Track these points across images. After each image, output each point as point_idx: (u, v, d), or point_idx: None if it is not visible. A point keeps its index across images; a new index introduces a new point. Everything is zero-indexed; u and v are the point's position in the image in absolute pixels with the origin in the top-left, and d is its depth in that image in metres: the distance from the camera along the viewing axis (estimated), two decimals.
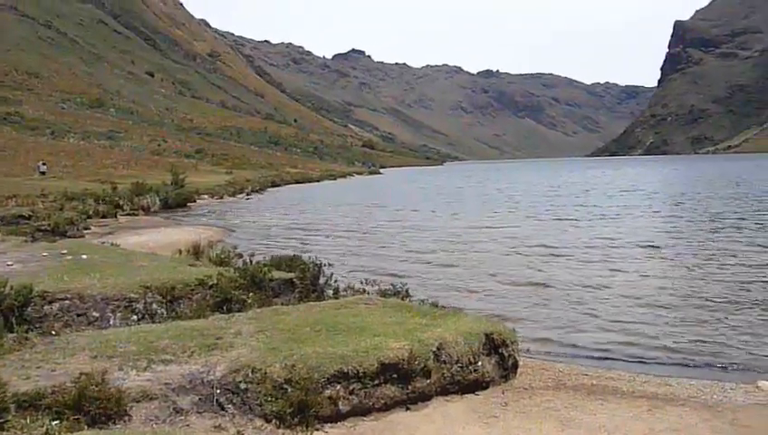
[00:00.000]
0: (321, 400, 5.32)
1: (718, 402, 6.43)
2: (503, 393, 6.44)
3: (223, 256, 11.42)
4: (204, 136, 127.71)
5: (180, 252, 12.49)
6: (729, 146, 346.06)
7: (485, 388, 6.53)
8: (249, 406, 5.19)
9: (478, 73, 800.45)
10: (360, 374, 5.59)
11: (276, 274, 9.38)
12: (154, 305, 7.91)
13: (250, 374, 5.33)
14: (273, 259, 10.36)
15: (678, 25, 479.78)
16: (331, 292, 9.40)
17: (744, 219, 24.48)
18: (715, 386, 7.05)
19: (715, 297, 11.50)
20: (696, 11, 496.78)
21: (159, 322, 7.40)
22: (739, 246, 17.81)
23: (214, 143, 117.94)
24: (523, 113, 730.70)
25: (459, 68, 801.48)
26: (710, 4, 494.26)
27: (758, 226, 22.30)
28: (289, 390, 5.25)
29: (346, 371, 5.53)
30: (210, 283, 8.43)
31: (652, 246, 18.31)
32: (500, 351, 6.82)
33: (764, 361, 8.19)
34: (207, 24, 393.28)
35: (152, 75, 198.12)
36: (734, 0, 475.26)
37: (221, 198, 47.27)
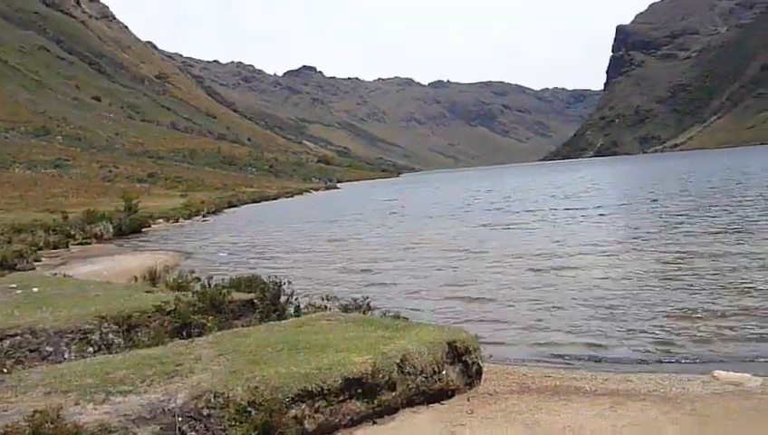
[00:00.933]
0: (287, 420, 5.25)
1: (677, 394, 6.57)
2: (468, 401, 6.47)
3: (180, 281, 11.22)
4: (156, 159, 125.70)
5: (136, 279, 12.25)
6: (675, 144, 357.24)
7: (451, 396, 6.55)
8: (213, 432, 5.09)
9: (429, 84, 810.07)
10: (325, 391, 5.54)
11: (236, 295, 9.25)
12: (110, 335, 7.70)
13: (212, 399, 5.23)
14: (232, 281, 10.23)
15: (620, 29, 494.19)
16: (292, 310, 9.31)
17: (691, 218, 25.21)
18: (674, 379, 7.21)
19: (667, 294, 11.80)
20: (637, 15, 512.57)
21: (116, 352, 7.20)
22: (689, 242, 18.33)
23: (166, 166, 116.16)
24: (476, 122, 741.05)
25: (410, 80, 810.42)
26: (649, 7, 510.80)
27: (706, 223, 23.00)
28: (253, 412, 5.17)
29: (310, 389, 5.48)
30: (168, 308, 8.25)
31: (605, 247, 18.71)
32: (463, 358, 6.85)
33: (719, 351, 8.44)
34: (154, 47, 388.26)
35: (99, 100, 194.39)
36: (670, 3, 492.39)
37: (176, 221, 46.48)
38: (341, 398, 5.64)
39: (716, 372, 7.24)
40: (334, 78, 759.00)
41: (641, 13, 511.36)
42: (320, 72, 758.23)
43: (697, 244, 17.58)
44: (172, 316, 8.10)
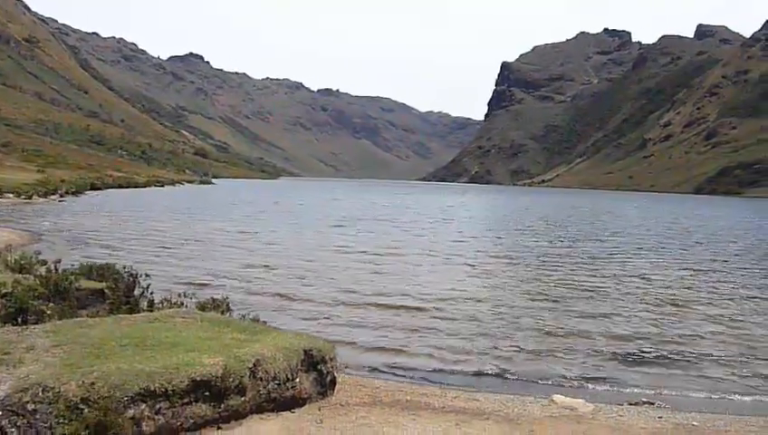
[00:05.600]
0: (123, 420, 4.91)
1: (518, 416, 6.88)
2: (319, 410, 6.41)
3: (23, 262, 10.29)
4: (13, 128, 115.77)
5: None
6: (543, 180, 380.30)
7: (302, 405, 6.46)
8: (37, 430, 4.66)
9: (318, 91, 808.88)
10: (169, 392, 5.25)
11: (84, 283, 8.65)
12: None
13: (40, 393, 4.79)
14: (82, 267, 9.54)
15: (505, 66, 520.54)
16: (145, 304, 8.81)
17: (548, 250, 26.83)
18: (517, 400, 7.55)
19: (517, 320, 12.41)
20: (521, 54, 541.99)
21: None
22: (545, 272, 19.47)
23: (25, 137, 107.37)
24: (361, 134, 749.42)
25: (300, 84, 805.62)
26: (532, 50, 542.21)
27: (558, 255, 24.58)
28: (86, 410, 4.79)
29: (153, 388, 5.17)
30: (3, 291, 7.53)
31: (467, 272, 19.44)
32: (318, 367, 6.78)
33: (559, 377, 8.96)
34: (26, 6, 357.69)
35: None
36: (552, 49, 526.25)
37: (29, 198, 43.00)
38: (186, 400, 5.38)
39: (555, 397, 7.68)
40: (221, 70, 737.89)
41: (525, 53, 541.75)
42: (207, 61, 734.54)
43: (558, 277, 18.70)
44: (7, 300, 7.40)
